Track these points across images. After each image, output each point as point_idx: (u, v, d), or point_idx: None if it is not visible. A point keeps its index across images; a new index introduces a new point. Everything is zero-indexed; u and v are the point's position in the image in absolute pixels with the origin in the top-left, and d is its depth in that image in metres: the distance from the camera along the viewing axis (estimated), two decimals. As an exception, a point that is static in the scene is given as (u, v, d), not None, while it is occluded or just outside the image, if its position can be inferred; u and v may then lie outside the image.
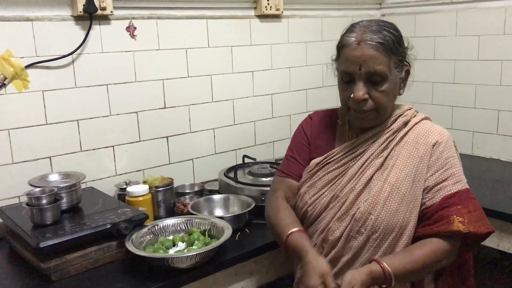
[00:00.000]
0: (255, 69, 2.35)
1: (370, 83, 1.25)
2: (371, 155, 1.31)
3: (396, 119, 1.34)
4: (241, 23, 2.25)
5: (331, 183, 1.35)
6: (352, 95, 1.26)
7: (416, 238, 1.26)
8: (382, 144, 1.31)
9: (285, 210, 1.40)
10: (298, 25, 2.48)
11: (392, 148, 1.31)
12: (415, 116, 1.36)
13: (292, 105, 2.52)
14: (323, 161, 1.38)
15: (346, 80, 1.29)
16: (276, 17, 2.37)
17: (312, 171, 1.40)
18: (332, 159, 1.37)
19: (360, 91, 1.24)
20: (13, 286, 1.38)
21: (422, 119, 1.35)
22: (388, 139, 1.32)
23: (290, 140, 1.54)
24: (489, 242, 1.87)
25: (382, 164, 1.29)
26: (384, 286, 1.18)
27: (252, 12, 2.30)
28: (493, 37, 2.39)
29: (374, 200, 1.26)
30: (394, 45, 1.25)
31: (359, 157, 1.33)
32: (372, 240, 1.26)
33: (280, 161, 1.58)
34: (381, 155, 1.30)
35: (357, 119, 1.31)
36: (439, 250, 1.20)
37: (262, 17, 2.32)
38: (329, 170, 1.36)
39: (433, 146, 1.28)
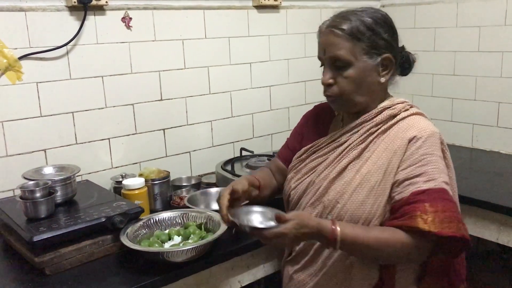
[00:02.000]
0: (253, 60, 2.32)
1: (336, 68, 1.27)
2: (350, 145, 1.31)
3: (381, 111, 1.30)
4: (238, 13, 2.23)
5: (313, 170, 1.37)
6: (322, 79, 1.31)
7: None
8: (362, 135, 1.30)
9: (259, 170, 1.59)
10: (297, 16, 2.45)
11: (372, 140, 1.28)
12: (406, 110, 1.30)
13: (290, 97, 2.50)
14: (311, 148, 1.40)
15: (321, 65, 1.34)
16: (274, 7, 2.35)
17: (301, 158, 1.42)
18: (319, 147, 1.38)
19: (325, 75, 1.29)
20: (7, 280, 1.36)
21: (412, 114, 1.29)
22: (370, 131, 1.29)
23: None
24: (488, 236, 1.87)
25: (359, 155, 1.28)
26: (330, 248, 1.21)
27: (250, 3, 2.27)
28: (494, 28, 2.37)
29: (343, 189, 1.26)
30: (360, 31, 1.23)
31: (340, 146, 1.33)
32: None
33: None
34: (360, 146, 1.29)
35: (329, 103, 1.35)
36: (398, 241, 1.15)
37: (260, 7, 2.29)
38: (314, 157, 1.38)
39: (410, 141, 1.23)
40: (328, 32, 1.26)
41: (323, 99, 1.36)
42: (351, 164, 1.29)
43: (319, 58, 1.32)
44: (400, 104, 1.31)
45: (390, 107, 1.30)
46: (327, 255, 1.31)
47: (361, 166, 1.26)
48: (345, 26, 1.23)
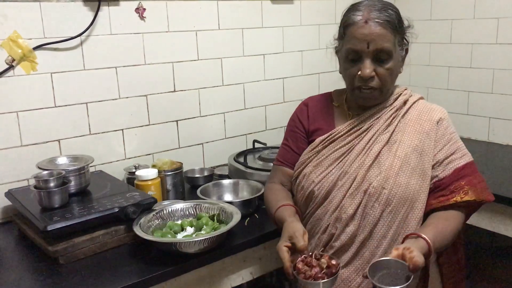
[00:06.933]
0: (267, 52, 2.30)
1: (377, 60, 1.29)
2: (377, 131, 1.35)
3: (397, 98, 1.39)
4: (252, 4, 2.21)
5: (338, 161, 1.36)
6: (359, 73, 1.29)
7: (431, 210, 1.31)
8: (386, 121, 1.36)
9: (278, 190, 1.46)
10: (311, 7, 2.43)
11: (397, 124, 1.35)
12: (412, 95, 1.41)
13: (304, 89, 2.47)
14: (327, 138, 1.39)
15: (352, 58, 1.31)
16: (288, -1, 2.33)
17: (316, 149, 1.40)
18: (337, 136, 1.38)
19: (367, 68, 1.28)
20: (21, 268, 1.38)
21: (419, 98, 1.41)
22: (392, 116, 1.36)
23: (286, 127, 1.54)
24: (504, 230, 1.84)
25: (388, 140, 1.34)
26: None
27: (263, -6, 2.25)
28: (512, 19, 2.32)
29: (386, 175, 1.29)
30: (398, 23, 1.30)
31: (364, 133, 1.36)
32: (386, 214, 1.28)
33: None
34: (387, 130, 1.35)
35: (361, 98, 1.34)
36: (460, 221, 1.29)
37: (274, -2, 2.27)
38: (335, 148, 1.37)
39: (438, 122, 1.34)
40: (373, 24, 1.25)
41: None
42: (383, 149, 1.33)
43: (356, 51, 1.28)
44: (406, 90, 1.42)
45: (402, 94, 1.40)
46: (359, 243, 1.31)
47: (396, 150, 1.31)
48: (388, 18, 1.27)
